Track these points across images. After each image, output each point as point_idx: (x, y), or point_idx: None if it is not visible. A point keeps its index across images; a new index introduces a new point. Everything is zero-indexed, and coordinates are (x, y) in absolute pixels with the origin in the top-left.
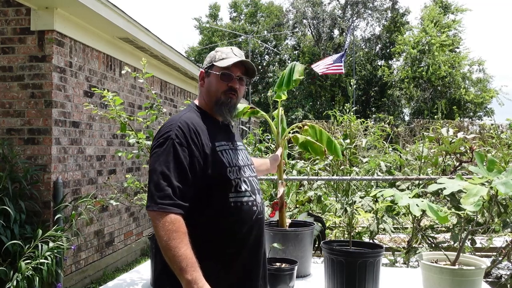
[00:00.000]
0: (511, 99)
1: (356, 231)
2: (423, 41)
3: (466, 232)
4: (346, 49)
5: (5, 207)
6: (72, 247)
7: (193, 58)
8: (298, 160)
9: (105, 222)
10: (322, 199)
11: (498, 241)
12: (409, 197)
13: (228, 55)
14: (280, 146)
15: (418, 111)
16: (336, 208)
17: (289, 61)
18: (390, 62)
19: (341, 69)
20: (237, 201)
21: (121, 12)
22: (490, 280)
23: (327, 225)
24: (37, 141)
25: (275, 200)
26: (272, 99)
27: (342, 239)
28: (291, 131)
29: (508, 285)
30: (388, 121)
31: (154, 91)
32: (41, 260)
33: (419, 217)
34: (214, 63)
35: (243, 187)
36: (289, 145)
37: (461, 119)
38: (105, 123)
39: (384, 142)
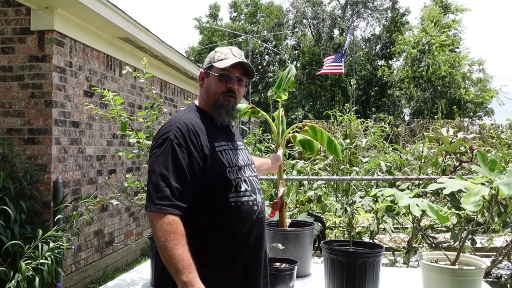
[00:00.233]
0: (511, 99)
1: (356, 231)
2: (423, 41)
3: (466, 232)
4: (346, 49)
5: (5, 207)
6: (72, 247)
7: (193, 58)
8: (298, 160)
9: (105, 222)
10: (322, 199)
11: (498, 241)
12: (409, 197)
13: (227, 56)
14: (280, 146)
15: (418, 111)
16: (336, 208)
17: (289, 61)
18: (390, 62)
19: (341, 69)
20: (237, 201)
21: (121, 12)
22: (490, 280)
23: (327, 225)
24: (37, 141)
25: (275, 200)
26: (272, 99)
27: (342, 239)
28: (291, 131)
29: (508, 285)
30: (388, 121)
31: (154, 91)
32: (42, 261)
33: (419, 217)
34: (213, 64)
35: (243, 186)
36: (289, 145)
37: (461, 119)
38: (105, 123)
39: (384, 142)
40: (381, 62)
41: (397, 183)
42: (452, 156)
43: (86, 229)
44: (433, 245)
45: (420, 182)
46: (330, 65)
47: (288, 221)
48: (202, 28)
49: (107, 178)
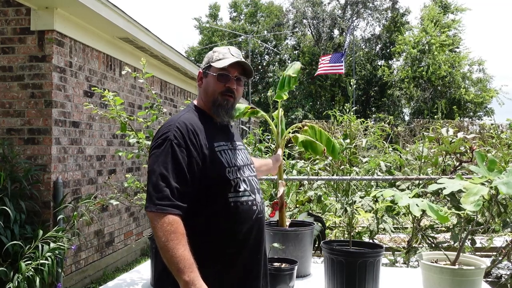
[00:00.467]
0: (511, 99)
1: (356, 231)
2: (423, 41)
3: (466, 232)
4: (346, 49)
5: (5, 207)
6: (72, 247)
7: (193, 58)
8: (298, 160)
9: (105, 222)
10: (322, 199)
11: (498, 241)
12: (409, 197)
13: (225, 56)
14: (280, 147)
15: (418, 111)
16: (336, 208)
17: (289, 61)
18: (390, 62)
19: (342, 69)
20: (237, 201)
21: (121, 12)
22: (490, 280)
23: (327, 225)
24: (37, 141)
25: (275, 200)
26: (272, 99)
27: (342, 239)
28: (291, 131)
29: (508, 285)
30: (388, 121)
31: (154, 91)
32: (42, 261)
33: (419, 217)
34: (212, 64)
35: (243, 186)
36: (289, 145)
37: (461, 119)
38: (105, 123)
39: (384, 142)
40: (381, 62)
41: (397, 183)
42: (452, 156)
43: (86, 229)
44: (433, 245)
45: (420, 182)
46: (329, 65)
47: (288, 221)
48: (202, 28)
49: (107, 178)
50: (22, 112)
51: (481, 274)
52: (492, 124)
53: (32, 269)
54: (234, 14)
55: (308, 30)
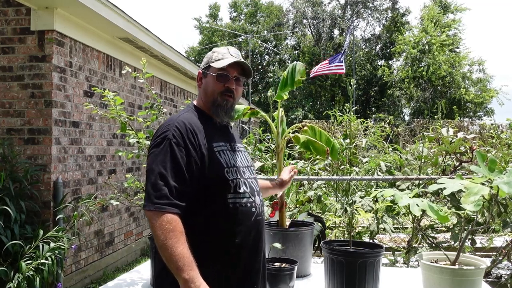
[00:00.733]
0: (511, 99)
1: (356, 231)
2: (423, 41)
3: (466, 232)
4: (345, 49)
5: (5, 207)
6: (73, 247)
7: (193, 58)
8: (298, 160)
9: (105, 222)
10: (322, 199)
11: (498, 241)
12: (409, 197)
13: (224, 56)
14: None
15: (418, 111)
16: (336, 208)
17: (289, 61)
18: (390, 62)
19: (342, 69)
20: (236, 202)
21: (121, 12)
22: (490, 280)
23: (327, 225)
24: (37, 141)
25: (275, 200)
26: (272, 99)
27: (342, 239)
28: (291, 132)
29: (508, 285)
30: (388, 121)
31: (154, 91)
32: (42, 261)
33: (419, 217)
34: (211, 64)
35: (242, 188)
36: (289, 145)
37: (461, 119)
38: (105, 123)
39: (384, 142)
40: (381, 62)
41: (397, 183)
42: (452, 156)
43: (86, 229)
44: (433, 245)
45: (420, 182)
46: (329, 66)
47: (288, 221)
48: (202, 28)
49: (107, 178)
50: (22, 112)
51: (481, 274)
52: (492, 124)
53: (33, 269)
54: (234, 14)
55: (308, 30)
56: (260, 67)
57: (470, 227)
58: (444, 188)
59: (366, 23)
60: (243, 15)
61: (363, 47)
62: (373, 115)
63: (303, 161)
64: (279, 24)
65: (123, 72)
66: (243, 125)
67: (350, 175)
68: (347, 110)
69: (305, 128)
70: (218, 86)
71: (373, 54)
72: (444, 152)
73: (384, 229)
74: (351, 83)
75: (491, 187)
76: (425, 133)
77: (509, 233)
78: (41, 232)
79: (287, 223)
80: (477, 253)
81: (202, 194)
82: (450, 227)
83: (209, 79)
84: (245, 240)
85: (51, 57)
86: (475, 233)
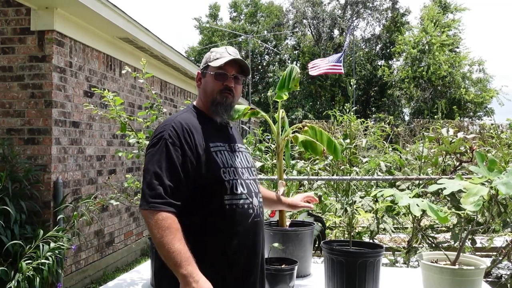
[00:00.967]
0: (511, 99)
1: (356, 231)
2: (423, 41)
3: (466, 232)
4: (345, 49)
5: (5, 207)
6: (73, 247)
7: (193, 58)
8: (298, 160)
9: (105, 222)
10: (322, 199)
11: (498, 241)
12: (409, 197)
13: (222, 55)
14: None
15: (418, 111)
16: (336, 208)
17: (289, 61)
18: (390, 62)
19: (341, 69)
20: (232, 204)
21: (121, 12)
22: (490, 280)
23: (327, 225)
24: (37, 141)
25: None
26: (272, 99)
27: (342, 239)
28: (291, 132)
29: (508, 285)
30: (388, 121)
31: (154, 91)
32: (42, 261)
33: (419, 217)
34: (209, 64)
35: (239, 189)
36: (289, 145)
37: (461, 119)
38: (105, 123)
39: (384, 142)
40: (381, 62)
41: (397, 183)
42: (452, 156)
43: (86, 229)
44: (433, 245)
45: (420, 182)
46: (328, 65)
47: (288, 221)
48: (202, 28)
49: (107, 178)
50: (22, 112)
51: (481, 274)
52: (492, 124)
53: (33, 269)
54: (234, 14)
55: (308, 30)
56: (260, 67)
57: (470, 227)
58: (444, 188)
59: (366, 23)
60: (243, 15)
61: (363, 47)
62: (373, 115)
63: (303, 161)
64: (279, 24)
65: (123, 72)
66: (243, 125)
67: (350, 175)
68: (347, 110)
69: (306, 128)
70: (217, 85)
71: (373, 54)
72: (444, 152)
73: (384, 229)
74: (351, 83)
75: (491, 187)
76: (425, 133)
77: (509, 233)
78: (41, 232)
79: (287, 223)
80: (477, 253)
81: (199, 194)
82: (450, 227)
83: (208, 78)
84: (242, 241)
85: (51, 57)
86: (475, 233)
